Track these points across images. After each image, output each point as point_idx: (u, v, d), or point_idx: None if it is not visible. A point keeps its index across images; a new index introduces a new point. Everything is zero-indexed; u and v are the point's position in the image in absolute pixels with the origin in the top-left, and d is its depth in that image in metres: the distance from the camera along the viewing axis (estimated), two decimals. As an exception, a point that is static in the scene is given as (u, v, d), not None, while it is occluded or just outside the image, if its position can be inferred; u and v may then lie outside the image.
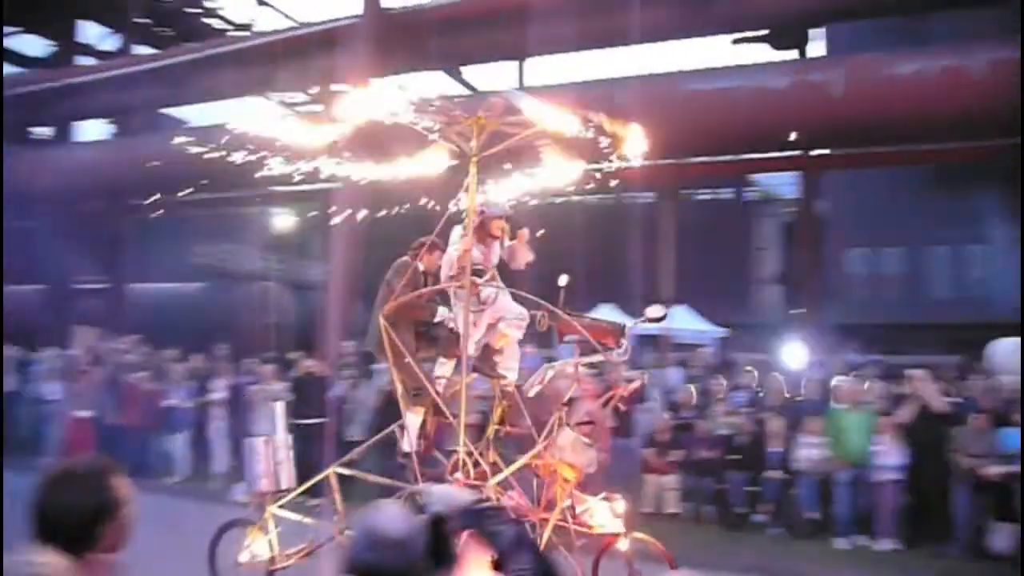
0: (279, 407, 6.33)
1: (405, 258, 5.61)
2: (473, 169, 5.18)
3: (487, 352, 5.48)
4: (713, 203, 25.69)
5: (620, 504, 5.19)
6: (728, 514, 9.00)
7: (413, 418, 5.48)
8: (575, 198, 21.38)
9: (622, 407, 5.79)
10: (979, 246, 22.92)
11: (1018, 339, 10.84)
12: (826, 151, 15.87)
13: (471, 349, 5.28)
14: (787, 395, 9.85)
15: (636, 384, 6.22)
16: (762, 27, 15.18)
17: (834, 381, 9.33)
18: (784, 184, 21.14)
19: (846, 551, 8.16)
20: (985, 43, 11.87)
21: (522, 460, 5.30)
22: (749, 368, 11.73)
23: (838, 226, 22.18)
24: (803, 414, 9.09)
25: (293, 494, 5.78)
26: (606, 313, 18.29)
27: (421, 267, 5.56)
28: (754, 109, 12.62)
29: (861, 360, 12.65)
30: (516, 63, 18.55)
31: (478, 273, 5.26)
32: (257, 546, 5.56)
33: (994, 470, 7.69)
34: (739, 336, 18.22)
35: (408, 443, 5.41)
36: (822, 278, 17.48)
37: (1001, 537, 7.62)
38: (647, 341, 15.69)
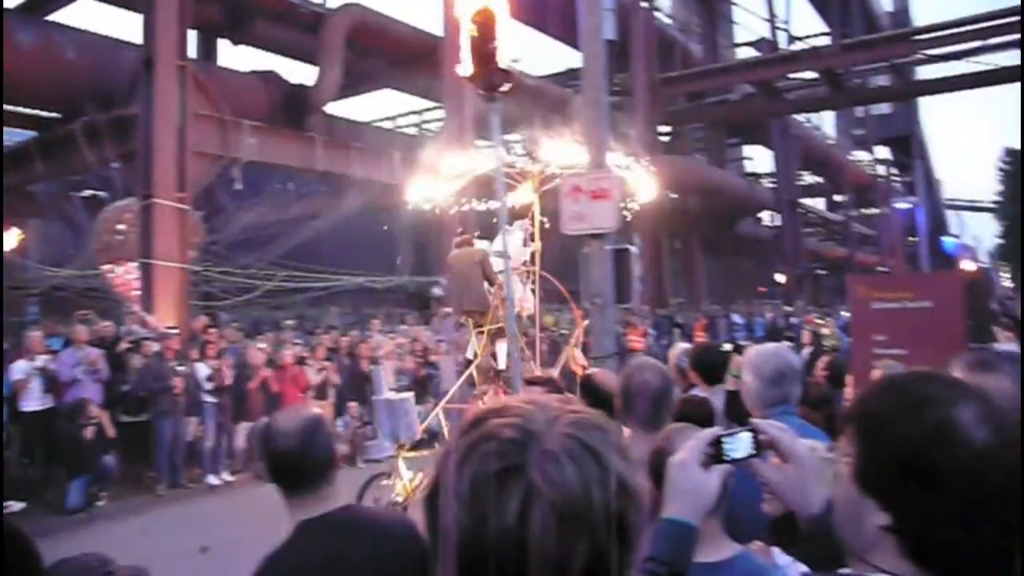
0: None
1: (484, 246, 7.91)
2: (536, 198, 7.37)
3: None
4: None
5: None
6: None
7: (504, 346, 7.36)
8: None
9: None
10: None
11: None
12: None
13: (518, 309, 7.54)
14: None
15: None
16: None
17: None
18: None
19: None
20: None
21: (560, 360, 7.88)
22: None
23: None
24: None
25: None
26: None
27: None
28: None
29: None
30: None
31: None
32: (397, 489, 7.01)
33: None
34: None
35: (502, 362, 7.53)
36: None
37: None
38: None
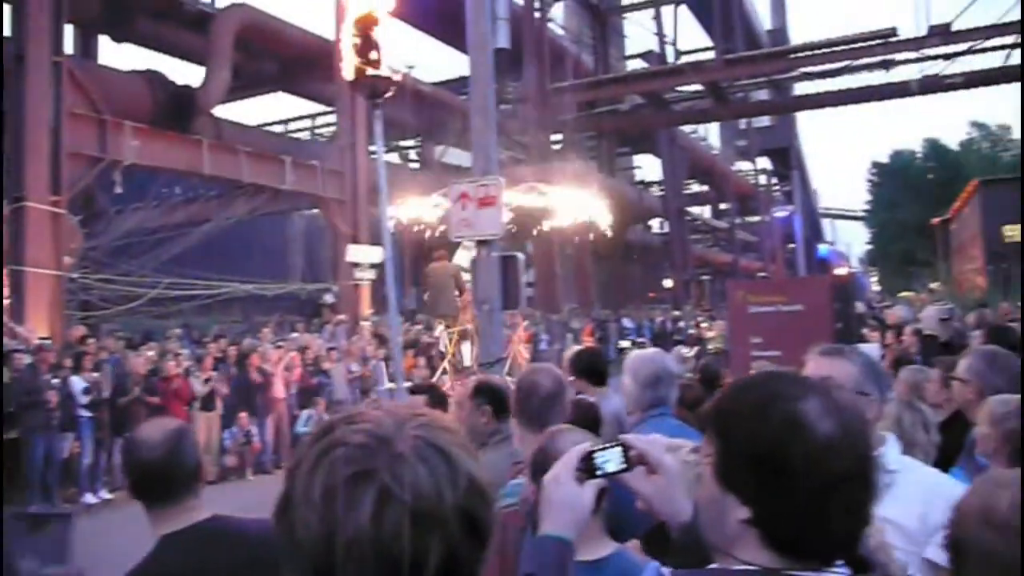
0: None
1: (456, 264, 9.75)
2: None
3: None
4: None
5: None
6: None
7: (468, 345, 9.42)
8: None
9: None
10: None
11: None
12: None
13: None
14: None
15: None
16: None
17: None
18: None
19: None
20: None
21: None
22: None
23: None
24: None
25: None
26: None
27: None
28: None
29: None
30: None
31: None
32: None
33: None
34: None
35: (467, 359, 9.33)
36: None
37: None
38: None
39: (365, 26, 4.17)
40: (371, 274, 16.76)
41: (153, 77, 18.72)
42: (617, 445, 1.50)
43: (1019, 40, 22.15)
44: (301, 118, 33.10)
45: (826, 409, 1.13)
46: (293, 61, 21.19)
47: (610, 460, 1.49)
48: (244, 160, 17.35)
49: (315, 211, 21.80)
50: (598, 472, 1.48)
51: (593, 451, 1.49)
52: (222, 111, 20.22)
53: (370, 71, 4.29)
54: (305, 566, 0.84)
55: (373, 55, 4.20)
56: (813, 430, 1.11)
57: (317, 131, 32.29)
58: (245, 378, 11.92)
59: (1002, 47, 22.87)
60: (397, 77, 4.48)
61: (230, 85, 18.83)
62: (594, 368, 3.95)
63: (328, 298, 17.37)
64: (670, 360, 3.12)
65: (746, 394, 1.22)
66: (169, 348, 12.19)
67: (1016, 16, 21.67)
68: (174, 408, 10.47)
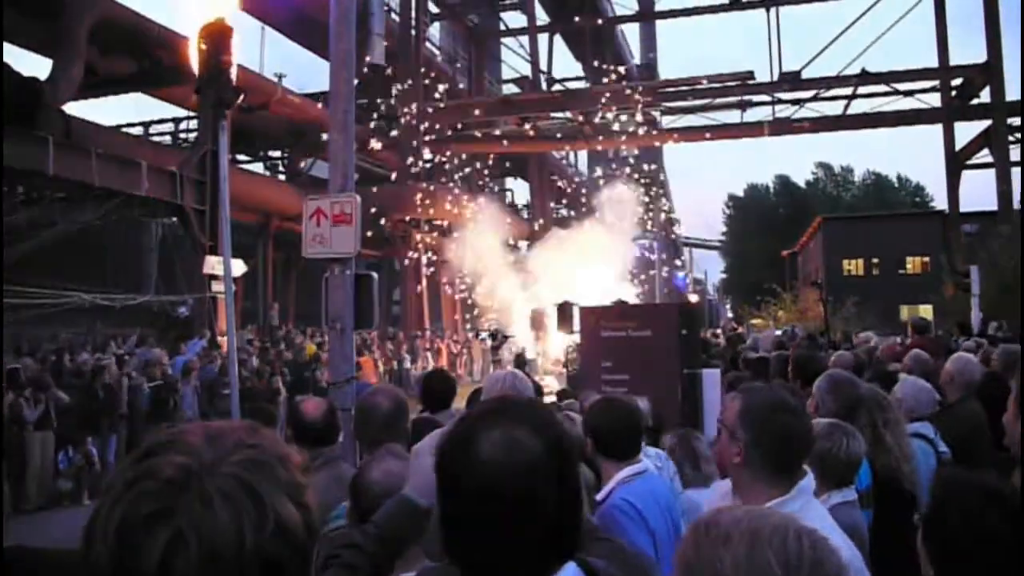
0: None
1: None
2: None
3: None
4: None
5: None
6: None
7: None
8: None
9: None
10: None
11: None
12: None
13: None
14: None
15: None
16: None
17: None
18: None
19: None
20: None
21: None
22: None
23: None
24: None
25: None
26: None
27: None
28: None
29: None
30: None
31: None
32: None
33: None
34: None
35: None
36: None
37: None
38: None
39: (212, 32, 4.02)
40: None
41: (-6, 66, 17.33)
42: None
43: (853, 93, 24.14)
44: (163, 121, 31.57)
45: (503, 441, 1.22)
46: (154, 61, 20.19)
47: None
48: (96, 162, 16.34)
49: (173, 220, 20.80)
50: None
51: None
52: (74, 108, 19.02)
53: (218, 81, 4.14)
54: None
55: (221, 65, 4.05)
56: (478, 452, 1.21)
57: (180, 136, 30.86)
58: (92, 395, 11.14)
59: (843, 97, 24.78)
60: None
61: (83, 81, 17.73)
62: (435, 391, 3.98)
63: (182, 311, 16.51)
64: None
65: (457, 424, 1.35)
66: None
67: (853, 71, 23.60)
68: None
